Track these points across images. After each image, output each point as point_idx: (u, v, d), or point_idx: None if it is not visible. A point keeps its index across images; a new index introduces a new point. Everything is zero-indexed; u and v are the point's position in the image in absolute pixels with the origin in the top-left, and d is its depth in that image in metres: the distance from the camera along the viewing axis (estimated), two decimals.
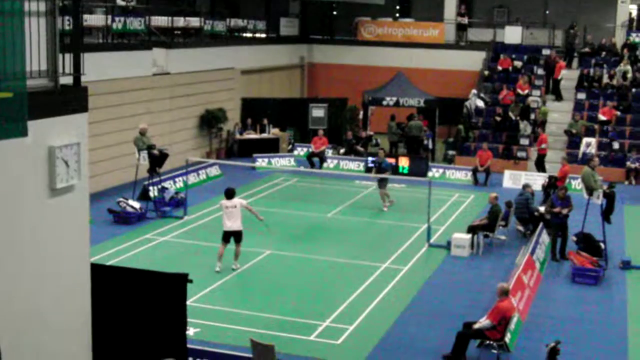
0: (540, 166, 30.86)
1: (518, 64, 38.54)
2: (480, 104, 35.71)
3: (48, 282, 9.02)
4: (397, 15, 46.76)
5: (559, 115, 34.72)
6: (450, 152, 33.60)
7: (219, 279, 18.35)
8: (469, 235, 21.30)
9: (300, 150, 34.40)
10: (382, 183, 25.84)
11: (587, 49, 38.63)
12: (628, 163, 31.02)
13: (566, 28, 39.45)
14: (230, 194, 19.08)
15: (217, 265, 18.79)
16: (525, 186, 23.24)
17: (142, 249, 20.60)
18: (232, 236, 18.79)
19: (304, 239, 22.15)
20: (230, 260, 18.93)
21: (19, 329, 8.46)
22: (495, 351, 14.35)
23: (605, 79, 36.17)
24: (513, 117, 33.88)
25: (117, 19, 27.19)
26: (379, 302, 17.38)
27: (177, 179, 26.65)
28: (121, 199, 23.35)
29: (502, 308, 14.27)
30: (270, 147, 34.03)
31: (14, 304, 8.48)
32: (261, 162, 31.83)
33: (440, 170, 31.21)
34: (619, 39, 39.32)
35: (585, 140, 32.11)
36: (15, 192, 8.46)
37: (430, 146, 34.21)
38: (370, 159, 29.34)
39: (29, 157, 8.60)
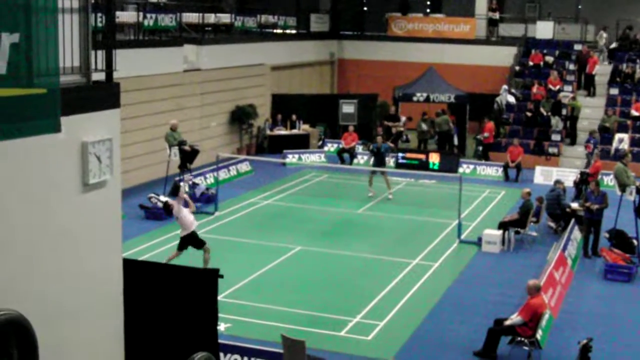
0: (484, 156, 31.43)
1: (549, 59, 38.23)
2: (511, 99, 35.49)
3: (81, 277, 9.09)
4: (428, 10, 46.59)
5: (591, 110, 34.43)
6: (481, 148, 33.43)
7: (250, 274, 18.39)
8: (500, 232, 21.19)
9: (331, 146, 34.39)
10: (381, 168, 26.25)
11: (615, 45, 38.25)
12: None
13: (601, 26, 39.07)
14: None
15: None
16: (557, 182, 23.10)
17: (173, 245, 20.64)
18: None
19: (334, 235, 22.14)
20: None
21: (53, 324, 8.53)
22: (526, 348, 14.27)
23: (639, 74, 35.80)
24: (544, 113, 33.67)
25: (148, 15, 27.34)
26: (410, 298, 17.34)
27: (207, 175, 26.76)
28: (152, 195, 23.47)
29: (534, 305, 14.20)
30: (301, 143, 34.05)
31: (48, 299, 8.56)
32: (291, 158, 31.88)
33: (471, 166, 31.09)
34: None
35: (617, 136, 31.81)
36: (49, 187, 8.53)
37: (456, 142, 34.13)
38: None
39: (62, 153, 8.68)
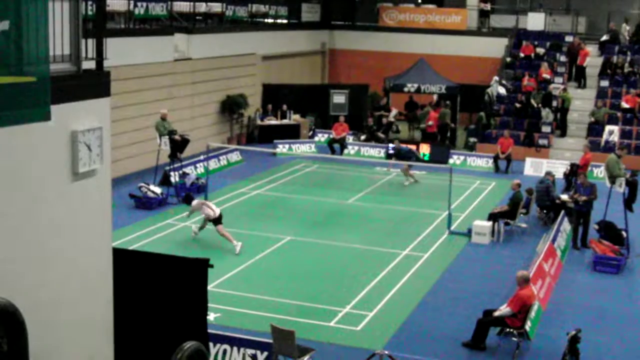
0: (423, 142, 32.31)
1: (540, 50, 38.25)
2: (502, 91, 35.50)
3: (70, 266, 9.07)
4: (420, 1, 46.52)
5: (582, 102, 34.49)
6: (472, 139, 33.48)
7: (240, 264, 18.39)
8: (490, 223, 21.24)
9: (321, 137, 34.38)
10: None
11: (606, 37, 38.27)
12: None
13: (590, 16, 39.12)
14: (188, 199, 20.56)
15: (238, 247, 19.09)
16: (547, 174, 23.14)
17: (164, 234, 20.67)
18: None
19: (325, 225, 22.15)
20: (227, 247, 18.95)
21: (42, 313, 8.51)
22: (515, 339, 14.32)
23: (628, 67, 35.85)
24: (535, 105, 33.71)
25: (139, 4, 27.22)
26: (399, 288, 17.37)
27: (198, 165, 26.72)
28: (142, 184, 23.43)
29: (523, 296, 14.23)
30: (291, 133, 34.02)
31: (37, 288, 8.53)
32: (282, 148, 31.85)
33: (462, 158, 31.12)
34: None
35: (607, 128, 31.88)
36: (38, 176, 8.50)
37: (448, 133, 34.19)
38: (390, 145, 29.79)
39: (51, 142, 8.64)
